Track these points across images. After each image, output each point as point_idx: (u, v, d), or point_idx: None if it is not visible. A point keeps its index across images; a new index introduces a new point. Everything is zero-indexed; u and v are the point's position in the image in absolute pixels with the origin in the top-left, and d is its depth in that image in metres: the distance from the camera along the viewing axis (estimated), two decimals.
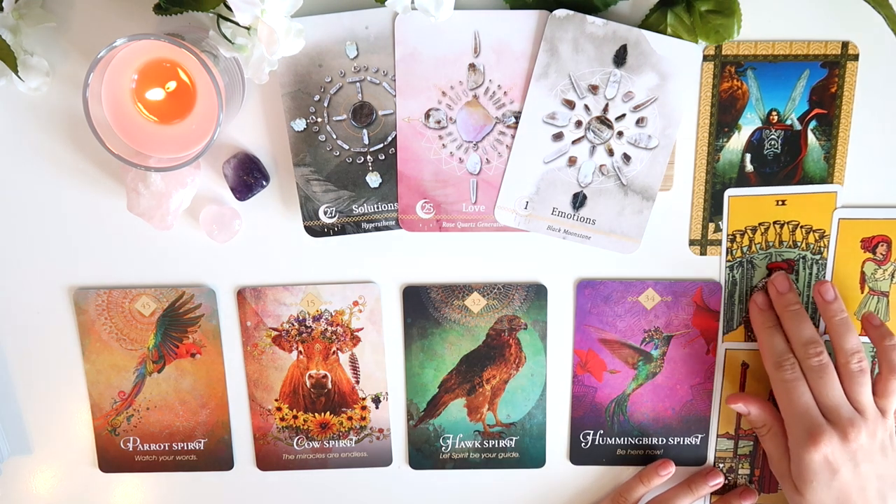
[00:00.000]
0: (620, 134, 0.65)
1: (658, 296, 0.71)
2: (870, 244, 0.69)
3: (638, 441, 0.75)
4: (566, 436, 0.75)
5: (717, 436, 0.74)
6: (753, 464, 0.75)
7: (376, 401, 0.74)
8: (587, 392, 0.74)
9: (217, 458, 0.76)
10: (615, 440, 0.75)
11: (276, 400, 0.74)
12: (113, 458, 0.76)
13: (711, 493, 0.75)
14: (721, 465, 0.75)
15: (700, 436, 0.74)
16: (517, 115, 0.66)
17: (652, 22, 0.63)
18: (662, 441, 0.75)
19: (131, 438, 0.75)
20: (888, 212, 0.69)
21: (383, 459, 0.76)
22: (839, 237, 0.69)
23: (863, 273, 0.70)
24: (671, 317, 0.72)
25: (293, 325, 0.72)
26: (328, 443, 0.75)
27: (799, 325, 0.67)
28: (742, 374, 0.73)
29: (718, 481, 0.74)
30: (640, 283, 0.71)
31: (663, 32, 0.63)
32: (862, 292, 0.70)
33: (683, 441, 0.75)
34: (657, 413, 0.74)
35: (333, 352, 0.73)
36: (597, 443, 0.75)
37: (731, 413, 0.73)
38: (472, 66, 0.65)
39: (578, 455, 0.75)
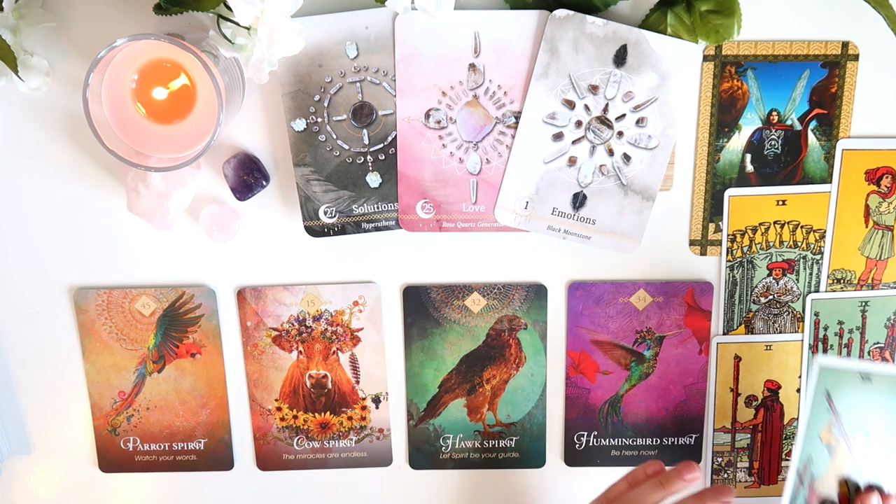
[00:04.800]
0: (620, 134, 0.65)
1: (649, 296, 0.71)
2: (874, 176, 0.68)
3: (632, 442, 0.75)
4: (561, 437, 0.75)
5: (714, 430, 0.74)
6: (752, 456, 0.75)
7: (376, 401, 0.74)
8: (580, 394, 0.74)
9: (217, 458, 0.76)
10: (609, 441, 0.75)
11: (276, 400, 0.74)
12: (113, 458, 0.76)
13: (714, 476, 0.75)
14: (720, 459, 0.75)
15: (694, 435, 0.74)
16: (517, 115, 0.66)
17: (652, 22, 0.63)
18: (656, 441, 0.75)
19: (131, 438, 0.75)
20: (894, 142, 0.67)
21: (383, 459, 0.76)
22: (843, 169, 0.67)
23: (867, 206, 0.69)
24: (663, 317, 0.72)
25: (293, 325, 0.72)
26: (328, 443, 0.75)
27: None
28: (735, 367, 0.73)
29: (694, 475, 0.66)
30: (631, 284, 0.71)
31: (663, 32, 0.63)
32: (866, 226, 0.69)
33: (678, 441, 0.75)
34: (651, 413, 0.74)
35: (333, 352, 0.73)
36: (591, 444, 0.75)
37: (727, 407, 0.73)
38: (472, 66, 0.65)
39: (573, 456, 0.75)
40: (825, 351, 0.72)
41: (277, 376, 0.73)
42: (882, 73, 0.66)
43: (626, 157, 0.66)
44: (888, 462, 0.66)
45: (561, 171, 0.66)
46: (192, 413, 0.74)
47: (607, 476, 0.76)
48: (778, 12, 0.65)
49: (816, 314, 0.71)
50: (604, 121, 0.65)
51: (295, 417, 0.74)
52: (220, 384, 0.74)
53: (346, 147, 0.67)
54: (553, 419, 0.74)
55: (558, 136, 0.66)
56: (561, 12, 0.63)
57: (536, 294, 0.71)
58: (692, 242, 0.70)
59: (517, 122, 0.66)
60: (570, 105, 0.65)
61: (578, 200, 0.67)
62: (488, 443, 0.75)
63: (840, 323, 0.71)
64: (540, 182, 0.67)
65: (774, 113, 0.67)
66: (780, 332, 0.72)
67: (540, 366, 0.73)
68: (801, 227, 0.69)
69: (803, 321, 0.71)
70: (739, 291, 0.71)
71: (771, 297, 0.71)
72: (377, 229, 0.68)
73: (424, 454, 0.75)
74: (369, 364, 0.73)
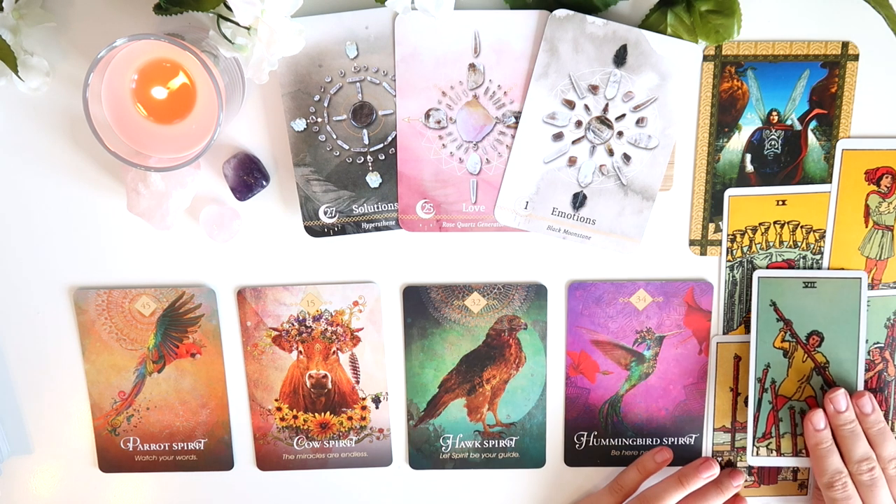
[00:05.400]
0: (620, 134, 0.65)
1: (649, 296, 0.71)
2: (874, 176, 0.68)
3: (632, 442, 0.75)
4: (561, 437, 0.75)
5: (714, 430, 0.74)
6: None
7: (376, 401, 0.74)
8: (580, 393, 0.74)
9: (217, 458, 0.76)
10: (609, 441, 0.75)
11: (276, 400, 0.74)
12: (113, 458, 0.76)
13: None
14: (719, 459, 0.75)
15: (694, 435, 0.74)
16: (517, 115, 0.66)
17: (652, 22, 0.63)
18: (657, 441, 0.75)
19: (131, 438, 0.75)
20: (894, 142, 0.67)
21: (383, 459, 0.76)
22: (843, 169, 0.67)
23: (867, 206, 0.69)
24: (663, 317, 0.72)
25: (293, 325, 0.72)
26: (328, 443, 0.75)
27: (855, 443, 0.67)
28: (735, 367, 0.73)
29: (712, 472, 0.71)
30: (631, 284, 0.71)
31: (663, 32, 0.63)
32: (866, 226, 0.69)
33: (678, 441, 0.75)
34: (651, 413, 0.74)
35: (333, 352, 0.73)
36: (591, 444, 0.75)
37: (727, 407, 0.73)
38: (472, 66, 0.65)
39: (573, 456, 0.75)
40: None
41: (277, 376, 0.73)
42: (882, 73, 0.66)
43: (626, 157, 0.66)
44: (849, 360, 0.69)
45: (561, 171, 0.66)
46: (192, 413, 0.74)
47: (607, 476, 0.76)
48: (778, 12, 0.65)
49: None
50: (604, 121, 0.65)
51: (295, 417, 0.74)
52: (220, 384, 0.74)
53: (346, 147, 0.67)
54: (553, 419, 0.74)
55: (558, 136, 0.66)
56: (561, 12, 0.63)
57: (536, 294, 0.71)
58: (692, 242, 0.70)
59: (517, 122, 0.66)
60: (570, 105, 0.65)
61: (578, 200, 0.67)
62: (488, 443, 0.75)
63: None
64: (540, 182, 0.67)
65: (774, 113, 0.67)
66: None
67: (540, 366, 0.73)
68: (801, 227, 0.69)
69: None
70: (739, 291, 0.71)
71: None
72: (377, 229, 0.69)
73: (424, 454, 0.75)
74: (369, 364, 0.73)
